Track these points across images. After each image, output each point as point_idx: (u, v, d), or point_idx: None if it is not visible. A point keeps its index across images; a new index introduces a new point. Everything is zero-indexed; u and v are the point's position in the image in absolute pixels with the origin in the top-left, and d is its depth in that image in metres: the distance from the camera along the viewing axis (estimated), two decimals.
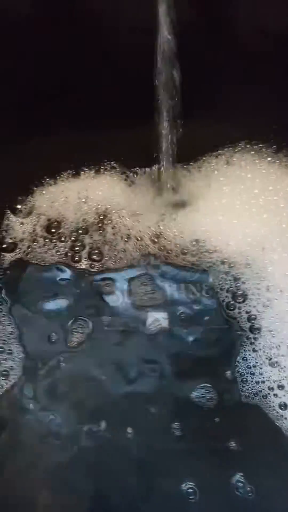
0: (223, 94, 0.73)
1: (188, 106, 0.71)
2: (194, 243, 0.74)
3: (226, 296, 0.71)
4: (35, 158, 0.73)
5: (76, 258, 0.74)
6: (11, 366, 0.65)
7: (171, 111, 0.72)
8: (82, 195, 0.78)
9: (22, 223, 0.75)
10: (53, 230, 0.75)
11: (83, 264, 0.74)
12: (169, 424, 0.62)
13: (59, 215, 0.76)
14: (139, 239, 0.74)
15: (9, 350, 0.66)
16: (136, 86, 0.70)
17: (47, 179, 0.78)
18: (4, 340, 0.67)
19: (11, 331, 0.68)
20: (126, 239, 0.74)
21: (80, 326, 0.69)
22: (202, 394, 0.64)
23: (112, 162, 0.80)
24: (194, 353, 0.68)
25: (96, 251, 0.74)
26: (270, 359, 0.66)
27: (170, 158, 0.77)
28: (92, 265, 0.73)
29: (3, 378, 0.64)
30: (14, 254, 0.73)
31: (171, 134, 0.74)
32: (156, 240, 0.75)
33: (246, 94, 0.73)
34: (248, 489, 0.58)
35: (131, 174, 0.81)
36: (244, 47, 0.71)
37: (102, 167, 0.80)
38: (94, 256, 0.74)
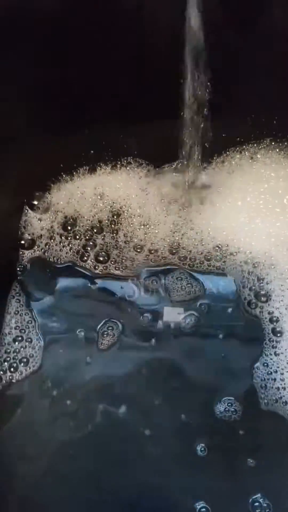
0: (250, 89, 0.73)
1: (214, 100, 0.71)
2: (217, 248, 0.73)
3: (248, 295, 0.70)
4: (52, 155, 0.73)
5: (85, 258, 0.74)
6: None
7: (197, 105, 0.71)
8: (98, 191, 0.78)
9: (40, 220, 0.75)
10: (69, 228, 0.75)
11: (95, 265, 0.74)
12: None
13: (75, 212, 0.76)
14: (154, 251, 0.74)
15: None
16: (158, 79, 0.70)
17: (64, 176, 0.78)
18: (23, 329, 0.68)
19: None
20: (138, 250, 0.74)
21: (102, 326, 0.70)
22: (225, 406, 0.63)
23: (129, 158, 0.80)
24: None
25: (116, 256, 0.75)
26: None
27: (195, 154, 0.77)
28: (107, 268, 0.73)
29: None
30: (33, 251, 0.74)
31: (195, 129, 0.73)
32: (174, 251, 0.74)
33: (274, 91, 0.72)
34: (265, 505, 0.56)
35: (149, 170, 0.81)
36: (276, 43, 0.70)
37: (119, 162, 0.79)
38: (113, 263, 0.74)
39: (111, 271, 0.72)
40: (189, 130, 0.73)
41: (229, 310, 0.70)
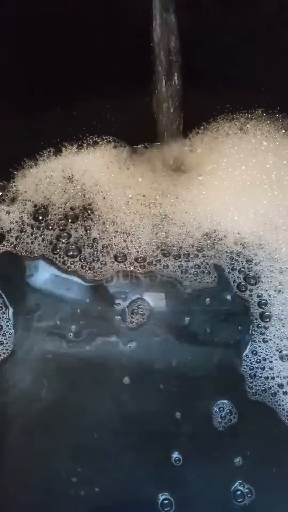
0: (234, 56, 0.71)
1: (200, 66, 0.69)
2: (205, 236, 0.72)
3: (238, 277, 0.69)
4: (10, 138, 0.72)
5: (57, 250, 0.72)
6: None
7: (172, 71, 0.69)
8: (66, 174, 0.76)
9: (8, 212, 0.74)
10: (40, 218, 0.73)
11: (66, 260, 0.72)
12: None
13: (45, 200, 0.74)
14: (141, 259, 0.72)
15: None
16: (124, 44, 0.68)
17: (27, 161, 0.76)
18: None
19: None
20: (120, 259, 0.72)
21: None
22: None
23: (95, 136, 0.78)
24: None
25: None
26: (281, 351, 0.64)
27: (173, 128, 0.75)
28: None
29: None
30: (2, 246, 0.72)
31: (171, 99, 0.72)
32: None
33: (258, 59, 0.71)
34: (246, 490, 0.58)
35: (119, 148, 0.79)
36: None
37: (85, 142, 0.77)
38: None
39: (82, 268, 0.72)
40: (165, 101, 0.72)
41: (219, 295, 0.70)
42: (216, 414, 0.63)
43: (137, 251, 0.71)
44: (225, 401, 0.63)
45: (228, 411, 0.62)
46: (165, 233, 0.72)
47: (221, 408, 0.63)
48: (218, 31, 0.69)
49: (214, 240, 0.72)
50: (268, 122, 0.77)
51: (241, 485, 0.58)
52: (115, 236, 0.71)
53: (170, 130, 0.75)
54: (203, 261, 0.70)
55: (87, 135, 0.76)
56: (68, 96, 0.70)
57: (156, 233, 0.72)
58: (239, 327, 0.67)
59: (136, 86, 0.70)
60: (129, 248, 0.71)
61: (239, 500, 0.58)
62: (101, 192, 0.74)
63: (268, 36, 0.70)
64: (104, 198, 0.74)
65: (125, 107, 0.74)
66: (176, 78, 0.69)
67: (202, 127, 0.78)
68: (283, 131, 0.77)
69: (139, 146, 0.79)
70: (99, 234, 0.72)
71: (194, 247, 0.71)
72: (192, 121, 0.76)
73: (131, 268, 0.70)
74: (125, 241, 0.71)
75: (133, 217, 0.73)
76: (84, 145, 0.77)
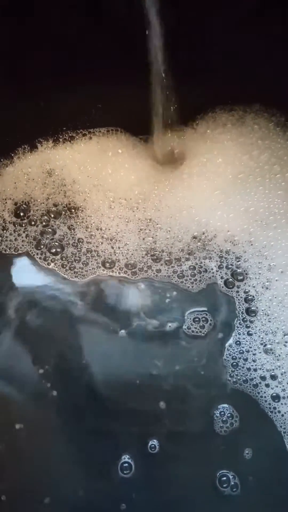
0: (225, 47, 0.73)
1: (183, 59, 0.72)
2: (195, 239, 0.75)
3: (225, 274, 0.72)
4: None
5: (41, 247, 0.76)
6: None
7: (164, 62, 0.71)
8: (45, 169, 0.79)
9: None
10: (21, 214, 0.77)
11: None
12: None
13: (26, 196, 0.78)
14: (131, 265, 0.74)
15: None
16: (111, 32, 0.71)
17: (2, 160, 0.80)
18: None
19: None
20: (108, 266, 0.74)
21: None
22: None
23: (70, 131, 0.81)
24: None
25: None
26: (265, 345, 0.67)
27: (164, 120, 0.78)
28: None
29: None
30: None
31: (163, 91, 0.74)
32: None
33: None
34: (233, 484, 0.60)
35: (100, 144, 0.82)
36: None
37: (61, 136, 0.81)
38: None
39: (62, 267, 0.74)
40: (156, 94, 0.74)
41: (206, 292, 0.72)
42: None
43: (126, 258, 0.74)
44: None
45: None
46: (152, 237, 0.75)
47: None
48: (217, 21, 0.72)
49: (204, 241, 0.74)
50: (266, 116, 0.81)
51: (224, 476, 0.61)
52: (102, 243, 0.75)
53: (160, 122, 0.78)
54: (196, 263, 0.73)
55: (64, 129, 0.80)
56: (42, 88, 0.73)
57: (144, 238, 0.75)
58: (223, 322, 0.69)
59: (122, 77, 0.73)
60: (117, 255, 0.74)
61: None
62: (81, 192, 0.78)
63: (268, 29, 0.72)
64: (85, 200, 0.78)
65: (108, 99, 0.78)
66: (163, 68, 0.72)
67: (196, 121, 0.82)
68: (278, 128, 0.81)
69: (121, 139, 0.82)
70: (84, 235, 0.75)
71: (185, 251, 0.74)
72: (187, 114, 0.80)
73: (121, 274, 0.73)
74: (112, 247, 0.74)
75: (118, 222, 0.76)
76: (60, 139, 0.81)
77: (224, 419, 0.63)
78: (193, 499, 0.61)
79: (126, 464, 0.62)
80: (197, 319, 0.70)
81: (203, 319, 0.70)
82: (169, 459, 0.62)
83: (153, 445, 0.63)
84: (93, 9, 0.70)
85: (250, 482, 0.60)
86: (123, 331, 0.70)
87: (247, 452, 0.62)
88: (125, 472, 0.61)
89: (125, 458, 0.62)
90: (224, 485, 0.60)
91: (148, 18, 0.65)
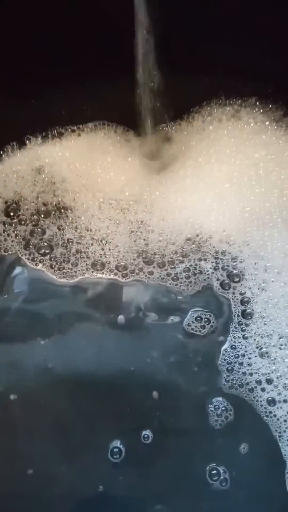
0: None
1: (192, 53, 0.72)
2: (189, 241, 0.74)
3: (221, 275, 0.71)
4: None
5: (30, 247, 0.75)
6: None
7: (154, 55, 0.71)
8: (34, 166, 0.79)
9: None
10: (11, 214, 0.76)
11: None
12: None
13: (16, 194, 0.77)
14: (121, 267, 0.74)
15: None
16: (100, 28, 0.70)
17: None
18: None
19: None
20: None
21: None
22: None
23: (59, 127, 0.80)
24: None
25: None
26: (261, 348, 0.66)
27: (156, 116, 0.78)
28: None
29: None
30: None
31: (153, 85, 0.74)
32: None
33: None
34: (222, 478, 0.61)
35: (90, 140, 0.81)
36: None
37: (49, 132, 0.80)
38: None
39: (51, 268, 0.73)
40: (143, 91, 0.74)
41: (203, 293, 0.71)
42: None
43: (117, 260, 0.73)
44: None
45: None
46: (144, 240, 0.74)
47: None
48: (214, 15, 0.72)
49: (199, 243, 0.74)
50: (262, 111, 0.80)
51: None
52: (92, 244, 0.74)
53: (151, 118, 0.78)
54: (191, 264, 0.72)
55: (53, 125, 0.80)
56: (31, 85, 0.73)
57: (135, 241, 0.74)
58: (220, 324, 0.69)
59: (112, 73, 0.73)
60: (107, 257, 0.73)
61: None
62: (71, 192, 0.77)
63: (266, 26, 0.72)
64: (74, 199, 0.77)
65: (97, 94, 0.77)
66: (152, 64, 0.72)
67: (190, 115, 0.81)
68: (274, 123, 0.80)
69: (111, 136, 0.81)
70: (73, 236, 0.75)
71: (178, 254, 0.73)
72: (180, 109, 0.80)
73: (111, 276, 0.72)
74: (102, 249, 0.74)
75: (108, 224, 0.75)
76: (49, 136, 0.80)
77: (219, 412, 0.63)
78: (178, 489, 0.61)
79: (117, 449, 0.62)
80: (199, 318, 0.69)
81: (206, 319, 0.69)
82: (160, 449, 0.62)
83: (146, 435, 0.63)
84: (81, 5, 0.69)
85: (240, 479, 0.61)
86: (121, 317, 0.69)
87: (242, 447, 0.62)
88: (115, 457, 0.62)
89: (117, 443, 0.62)
90: (214, 478, 0.61)
91: (137, 14, 0.66)
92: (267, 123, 0.80)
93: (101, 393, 0.66)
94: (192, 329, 0.69)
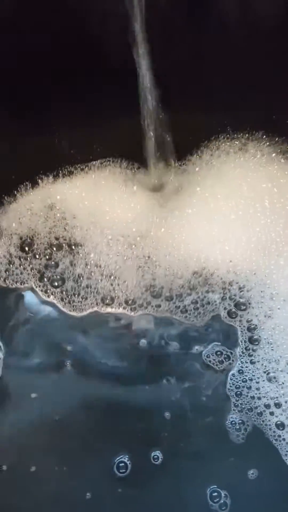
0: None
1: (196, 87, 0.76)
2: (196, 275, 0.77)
3: (228, 304, 0.74)
4: None
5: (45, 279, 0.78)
6: None
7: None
8: (47, 204, 0.82)
9: None
10: (26, 248, 0.80)
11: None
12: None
13: (30, 231, 0.81)
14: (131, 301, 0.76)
15: None
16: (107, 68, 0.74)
17: (6, 197, 0.83)
18: None
19: None
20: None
21: None
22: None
23: (69, 166, 0.85)
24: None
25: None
26: (268, 373, 0.68)
27: (163, 152, 0.81)
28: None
29: None
30: None
31: (158, 123, 0.77)
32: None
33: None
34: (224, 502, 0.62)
35: (97, 177, 0.85)
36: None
37: (60, 171, 0.85)
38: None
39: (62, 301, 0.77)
40: (150, 125, 0.77)
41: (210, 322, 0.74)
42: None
43: (126, 295, 0.76)
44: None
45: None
46: (152, 275, 0.77)
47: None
48: (218, 51, 0.75)
49: (206, 276, 0.76)
50: (268, 144, 0.84)
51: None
52: (101, 280, 0.77)
53: (160, 154, 0.81)
54: (198, 297, 0.75)
55: (63, 164, 0.84)
56: (42, 125, 0.78)
57: (143, 275, 0.77)
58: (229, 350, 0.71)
59: (119, 111, 0.77)
60: (116, 291, 0.76)
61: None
62: (80, 228, 0.81)
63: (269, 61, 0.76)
64: (84, 236, 0.80)
65: (105, 133, 0.81)
66: (152, 100, 0.76)
67: (199, 149, 0.84)
68: (281, 155, 0.83)
69: (118, 174, 0.85)
70: (84, 271, 0.78)
71: (185, 287, 0.76)
72: (186, 144, 0.83)
73: (120, 310, 0.75)
74: (111, 284, 0.77)
75: (116, 259, 0.78)
76: (60, 175, 0.85)
77: (230, 436, 0.65)
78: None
79: (123, 464, 0.64)
80: (219, 352, 0.71)
81: (225, 356, 0.71)
82: (167, 470, 0.64)
83: (156, 456, 0.65)
84: (85, 47, 0.73)
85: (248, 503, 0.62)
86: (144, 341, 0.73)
87: (251, 472, 0.63)
88: (121, 471, 0.64)
89: (125, 458, 0.64)
90: (215, 500, 0.62)
91: (139, 54, 0.70)
92: (273, 155, 0.84)
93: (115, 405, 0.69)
94: (210, 361, 0.71)
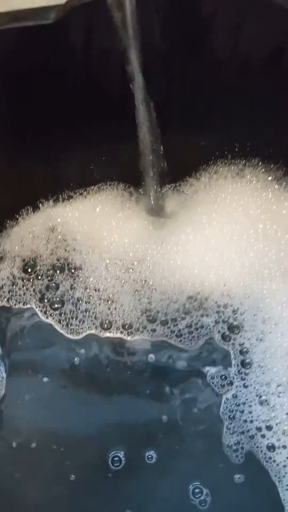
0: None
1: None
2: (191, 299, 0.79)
3: (222, 327, 0.76)
4: None
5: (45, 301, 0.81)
6: None
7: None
8: (48, 226, 0.85)
9: None
10: (29, 270, 0.82)
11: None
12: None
13: (32, 253, 0.83)
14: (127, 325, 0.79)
15: None
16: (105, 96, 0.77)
17: (8, 221, 0.85)
18: None
19: None
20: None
21: None
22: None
23: (67, 191, 0.87)
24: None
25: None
26: (260, 396, 0.71)
27: (153, 181, 0.83)
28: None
29: None
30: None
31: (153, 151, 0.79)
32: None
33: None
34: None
35: (95, 202, 0.87)
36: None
37: (60, 196, 0.87)
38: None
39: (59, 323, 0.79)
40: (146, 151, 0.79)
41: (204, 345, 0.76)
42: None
43: (123, 319, 0.78)
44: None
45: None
46: (148, 299, 0.79)
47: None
48: (216, 78, 0.78)
49: (201, 300, 0.79)
50: (264, 170, 0.87)
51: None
52: (99, 304, 0.79)
53: (155, 180, 0.83)
54: (192, 321, 0.78)
55: (63, 188, 0.87)
56: (43, 150, 0.79)
57: (139, 299, 0.80)
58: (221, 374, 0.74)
59: (117, 136, 0.80)
60: (113, 315, 0.78)
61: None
62: (80, 252, 0.83)
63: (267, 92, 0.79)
64: (83, 260, 0.83)
65: (103, 158, 0.84)
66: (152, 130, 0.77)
67: (198, 173, 0.87)
68: (275, 181, 0.86)
69: (116, 198, 0.88)
70: (83, 295, 0.80)
71: (180, 311, 0.78)
72: (184, 169, 0.86)
73: (117, 335, 0.77)
74: (109, 308, 0.79)
75: (114, 283, 0.80)
76: (60, 199, 0.87)
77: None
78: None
79: (117, 458, 0.68)
80: (223, 376, 0.74)
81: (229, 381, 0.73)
82: (159, 469, 0.67)
83: (150, 456, 0.68)
84: (82, 79, 0.76)
85: None
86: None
87: (237, 477, 0.66)
88: (115, 464, 0.67)
89: (120, 454, 0.68)
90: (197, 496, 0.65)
91: (135, 81, 0.71)
92: (268, 181, 0.86)
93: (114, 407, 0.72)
94: (213, 383, 0.73)
